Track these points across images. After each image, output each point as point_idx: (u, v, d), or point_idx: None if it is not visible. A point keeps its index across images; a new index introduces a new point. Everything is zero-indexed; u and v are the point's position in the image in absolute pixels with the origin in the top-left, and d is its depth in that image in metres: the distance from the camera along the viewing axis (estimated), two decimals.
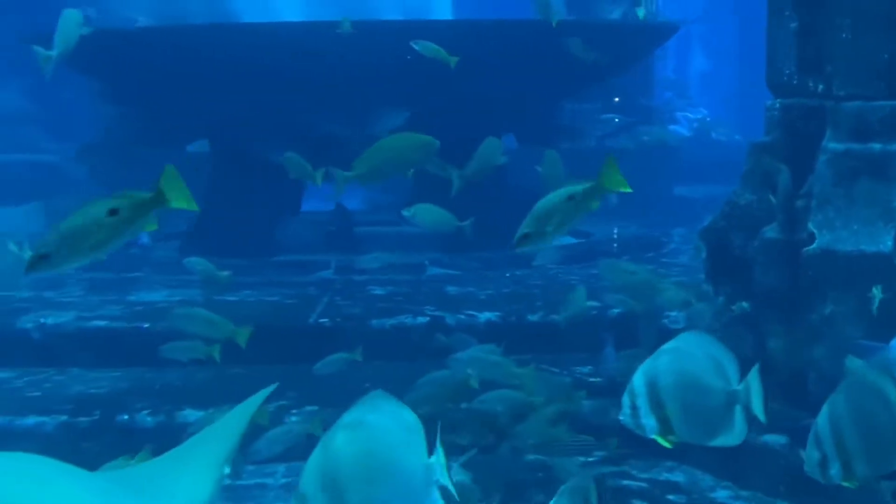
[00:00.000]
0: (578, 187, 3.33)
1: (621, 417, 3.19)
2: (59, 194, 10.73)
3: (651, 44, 9.33)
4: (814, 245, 4.45)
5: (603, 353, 5.45)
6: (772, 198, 4.79)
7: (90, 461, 4.78)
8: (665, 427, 3.17)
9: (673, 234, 9.24)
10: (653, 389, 3.17)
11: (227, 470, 3.99)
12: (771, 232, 4.71)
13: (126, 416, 5.05)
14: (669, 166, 11.80)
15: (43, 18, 10.94)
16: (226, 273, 6.07)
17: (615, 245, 9.13)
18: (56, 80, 11.39)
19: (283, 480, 4.70)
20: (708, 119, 17.16)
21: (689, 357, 3.22)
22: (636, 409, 3.17)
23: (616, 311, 5.72)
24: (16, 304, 6.59)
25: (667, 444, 3.20)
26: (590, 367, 5.37)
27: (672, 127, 13.50)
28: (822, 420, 2.95)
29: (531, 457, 4.81)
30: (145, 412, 5.08)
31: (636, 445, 4.97)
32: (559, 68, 7.77)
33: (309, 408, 5.10)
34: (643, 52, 9.71)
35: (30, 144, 12.84)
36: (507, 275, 7.39)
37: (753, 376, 3.22)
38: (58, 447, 4.93)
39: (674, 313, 5.95)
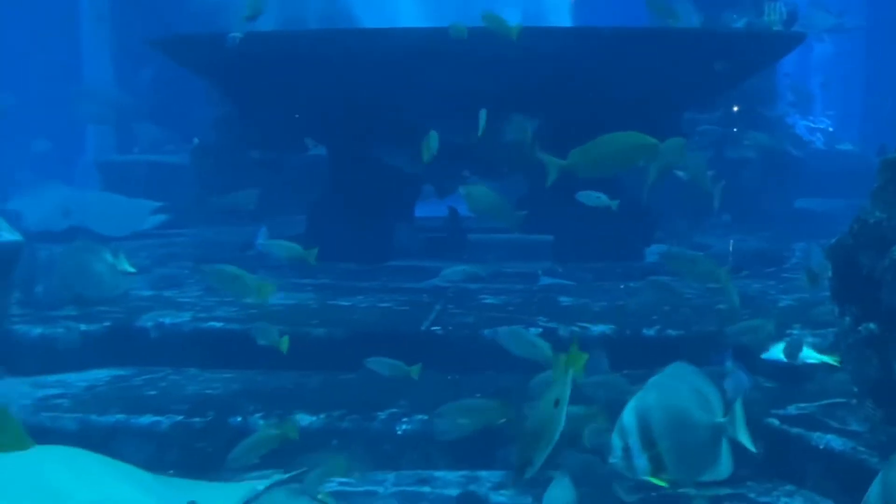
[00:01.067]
0: (556, 390, 3.23)
1: (612, 460, 3.10)
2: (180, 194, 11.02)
3: (774, 53, 9.10)
4: None
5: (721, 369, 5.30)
6: None
7: (204, 461, 4.88)
8: (656, 466, 3.07)
9: (794, 248, 8.99)
10: (644, 427, 3.07)
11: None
12: None
13: (239, 419, 5.08)
14: (790, 178, 11.53)
15: (168, 22, 11.23)
16: (313, 251, 6.09)
17: (731, 258, 8.93)
18: (178, 82, 11.67)
19: (394, 489, 4.68)
20: (830, 129, 16.75)
21: (677, 391, 3.14)
22: (628, 450, 3.08)
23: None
24: (137, 303, 6.72)
25: (662, 484, 3.10)
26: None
27: (792, 137, 13.19)
28: (873, 493, 2.82)
29: None
30: (258, 415, 5.10)
31: (752, 466, 4.85)
32: (681, 76, 7.64)
33: (419, 416, 5.07)
34: (766, 62, 9.49)
35: (152, 144, 13.18)
36: (622, 286, 7.27)
37: (738, 408, 3.15)
38: (172, 447, 5.02)
39: (796, 331, 5.79)
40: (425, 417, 5.03)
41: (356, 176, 8.29)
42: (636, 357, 5.53)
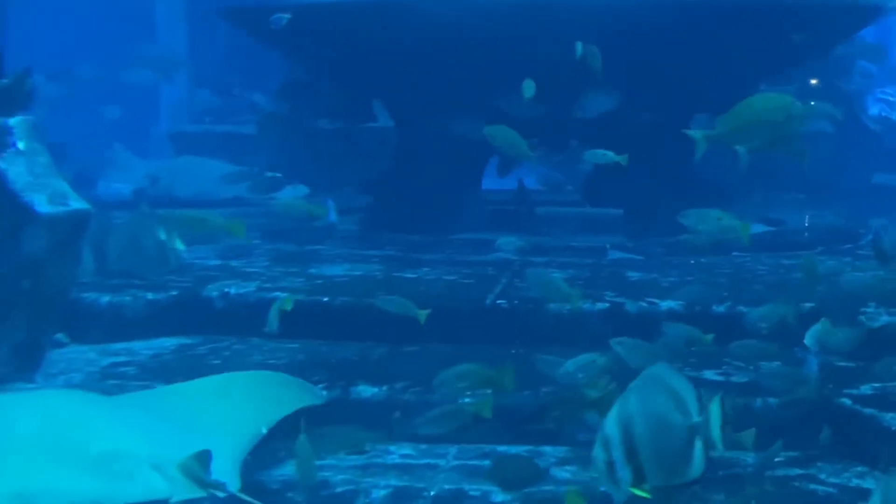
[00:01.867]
0: None
1: (595, 475, 3.00)
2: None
3: (852, 25, 8.85)
4: None
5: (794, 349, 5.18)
6: None
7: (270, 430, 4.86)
8: (638, 475, 2.96)
9: (871, 224, 8.77)
10: (627, 438, 2.98)
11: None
12: None
13: None
14: (867, 152, 11.25)
15: None
16: (327, 208, 6.04)
17: (806, 234, 8.75)
18: (251, 50, 11.69)
19: (455, 462, 4.64)
20: None
21: (656, 396, 3.04)
22: (612, 464, 2.98)
23: (809, 305, 5.44)
24: (204, 273, 6.75)
25: (645, 495, 2.99)
26: (778, 362, 5.10)
27: (872, 110, 12.85)
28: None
29: None
30: (321, 386, 5.07)
31: (823, 446, 4.74)
32: (759, 48, 7.47)
33: (483, 390, 5.00)
34: (843, 34, 9.24)
35: (211, 112, 13.25)
36: (692, 262, 7.15)
37: (714, 408, 3.06)
38: None
39: (871, 308, 5.64)
40: (489, 391, 4.97)
41: (423, 147, 8.25)
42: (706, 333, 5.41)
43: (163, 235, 6.51)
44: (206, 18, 13.11)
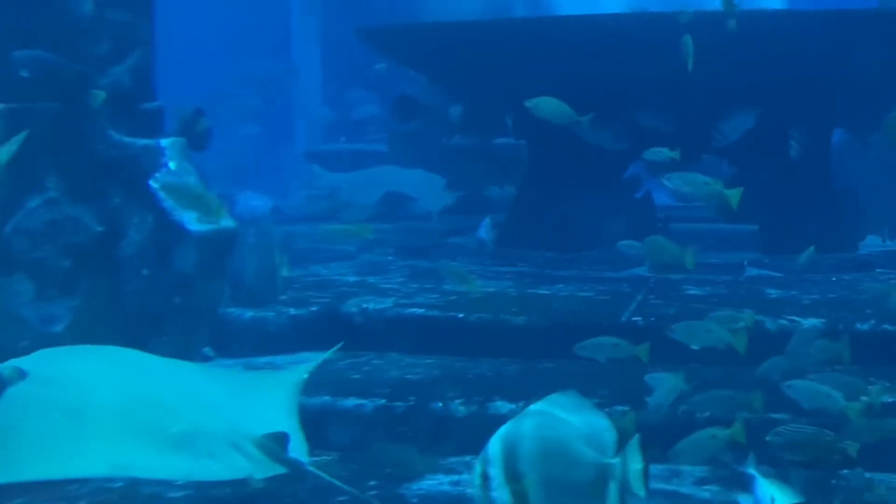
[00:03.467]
0: None
1: (470, 490, 2.84)
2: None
3: None
4: None
5: None
6: None
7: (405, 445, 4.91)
8: (521, 502, 2.77)
9: None
10: (511, 457, 2.79)
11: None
12: None
13: (440, 404, 5.12)
14: None
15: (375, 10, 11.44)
16: (368, 226, 6.12)
17: None
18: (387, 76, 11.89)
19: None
20: None
21: (558, 422, 2.84)
22: (487, 480, 2.80)
23: None
24: (343, 289, 6.89)
25: None
26: None
27: None
28: None
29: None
30: (458, 401, 5.13)
31: None
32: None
33: (619, 407, 4.99)
34: None
35: (328, 129, 13.51)
36: (834, 279, 7.00)
37: (632, 448, 2.83)
38: (376, 429, 5.11)
39: None
40: (626, 409, 4.96)
41: (556, 163, 8.26)
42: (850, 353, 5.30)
43: (278, 258, 6.64)
44: (340, 37, 13.38)
